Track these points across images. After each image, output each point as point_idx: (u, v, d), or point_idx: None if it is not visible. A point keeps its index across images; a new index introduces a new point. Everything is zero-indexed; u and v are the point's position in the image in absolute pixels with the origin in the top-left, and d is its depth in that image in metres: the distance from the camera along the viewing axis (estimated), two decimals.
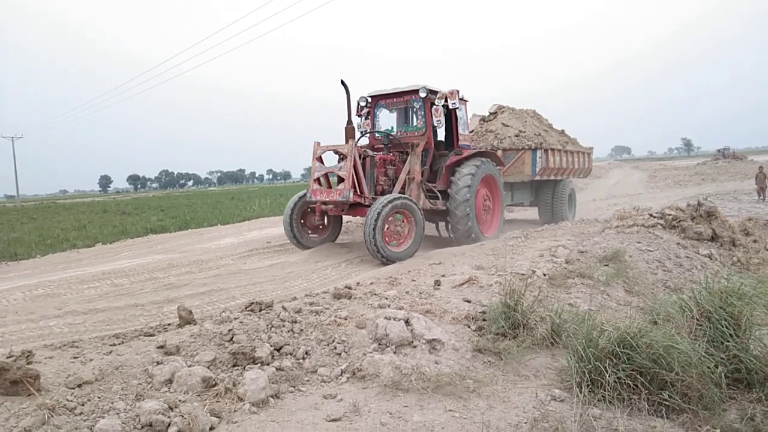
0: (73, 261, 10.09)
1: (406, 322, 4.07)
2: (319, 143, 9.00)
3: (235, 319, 4.17)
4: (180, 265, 8.56)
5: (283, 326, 4.09)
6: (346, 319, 4.33)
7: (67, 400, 3.00)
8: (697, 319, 3.57)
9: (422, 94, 9.47)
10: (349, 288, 5.27)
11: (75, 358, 3.57)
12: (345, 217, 10.87)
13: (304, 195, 9.41)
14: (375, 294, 5.09)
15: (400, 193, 9.09)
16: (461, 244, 9.29)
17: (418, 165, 9.37)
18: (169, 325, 4.49)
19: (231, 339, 3.83)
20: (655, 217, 8.22)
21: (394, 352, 3.80)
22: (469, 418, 3.04)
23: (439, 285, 5.50)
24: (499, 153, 12.08)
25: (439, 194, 9.66)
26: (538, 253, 6.82)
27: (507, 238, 8.41)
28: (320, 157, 9.01)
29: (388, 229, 8.17)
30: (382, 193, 9.27)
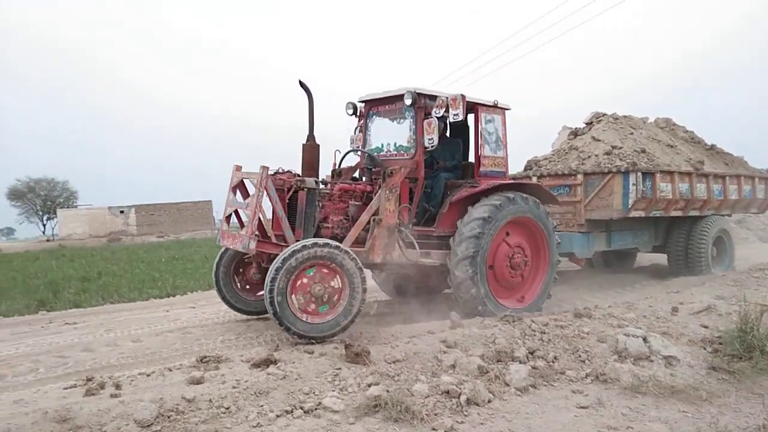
0: None
1: (644, 339, 4.72)
2: (239, 167, 6.35)
3: (494, 326, 5.28)
4: None
5: (534, 335, 5.08)
6: (588, 334, 5.14)
7: (388, 370, 4.37)
8: None
9: (407, 101, 6.66)
10: (589, 309, 6.03)
11: (385, 344, 5.02)
12: None
13: None
14: (613, 316, 5.74)
15: (356, 242, 6.35)
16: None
17: (392, 202, 6.46)
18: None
19: (493, 341, 4.93)
20: None
21: (633, 363, 4.50)
22: (700, 418, 3.66)
23: (676, 311, 5.91)
24: (579, 178, 8.77)
25: (416, 245, 6.55)
26: None
27: (753, 269, 8.13)
28: (241, 184, 6.37)
29: (302, 293, 5.41)
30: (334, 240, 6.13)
